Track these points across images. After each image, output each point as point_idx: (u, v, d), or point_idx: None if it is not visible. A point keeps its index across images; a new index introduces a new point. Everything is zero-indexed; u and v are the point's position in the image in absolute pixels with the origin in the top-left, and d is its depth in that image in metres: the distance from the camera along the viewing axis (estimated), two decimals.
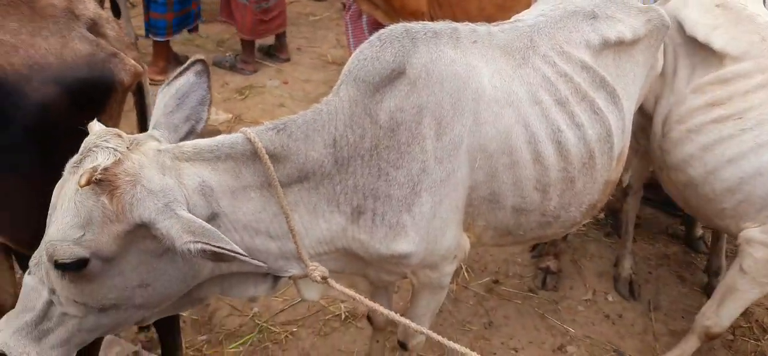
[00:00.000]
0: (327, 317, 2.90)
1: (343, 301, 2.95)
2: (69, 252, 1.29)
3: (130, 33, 5.36)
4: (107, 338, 2.49)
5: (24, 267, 1.54)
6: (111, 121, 1.88)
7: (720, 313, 2.39)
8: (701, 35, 2.40)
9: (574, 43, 1.99)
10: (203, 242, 1.26)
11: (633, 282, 3.15)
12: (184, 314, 2.84)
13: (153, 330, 2.65)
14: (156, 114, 1.54)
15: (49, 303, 1.41)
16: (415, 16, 3.92)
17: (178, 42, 5.50)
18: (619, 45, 2.07)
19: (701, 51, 2.42)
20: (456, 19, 3.79)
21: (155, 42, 4.90)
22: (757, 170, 2.16)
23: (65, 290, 1.37)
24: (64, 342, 1.44)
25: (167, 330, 2.37)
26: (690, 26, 2.45)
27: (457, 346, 1.41)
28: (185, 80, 1.58)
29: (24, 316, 1.42)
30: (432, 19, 3.95)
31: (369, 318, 2.43)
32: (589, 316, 3.02)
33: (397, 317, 1.51)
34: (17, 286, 2.35)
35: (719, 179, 2.24)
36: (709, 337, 2.46)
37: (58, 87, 1.67)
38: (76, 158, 1.36)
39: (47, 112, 1.67)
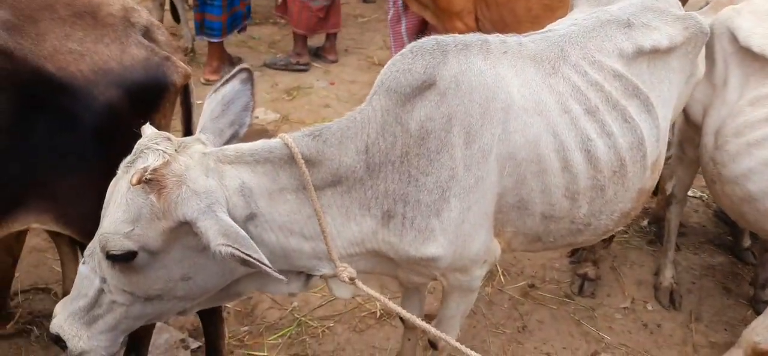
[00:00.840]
0: (363, 314, 2.98)
1: (378, 300, 3.02)
2: (120, 245, 1.41)
3: (188, 36, 5.59)
4: (157, 325, 2.65)
5: None
6: (164, 119, 2.00)
7: None
8: (757, 46, 2.33)
9: (607, 52, 2.00)
10: (234, 248, 1.35)
11: (674, 291, 3.10)
12: (228, 306, 2.98)
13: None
14: (203, 119, 1.66)
15: (100, 291, 1.53)
16: (460, 16, 3.94)
17: (232, 43, 5.69)
18: (654, 53, 2.07)
19: (756, 62, 2.35)
20: (504, 20, 3.82)
21: (210, 43, 5.07)
22: None
23: (115, 279, 1.50)
24: (112, 327, 1.57)
25: (210, 319, 2.49)
26: (744, 36, 2.37)
27: (472, 353, 1.46)
28: (231, 88, 1.70)
29: (77, 302, 1.56)
30: (478, 20, 3.97)
31: (401, 317, 2.49)
32: (627, 324, 2.99)
33: (420, 323, 1.57)
34: None
35: None
36: (756, 354, 2.36)
37: (120, 90, 1.82)
38: (129, 158, 1.48)
39: (112, 113, 1.81)
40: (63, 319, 1.55)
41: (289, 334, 2.86)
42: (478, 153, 1.73)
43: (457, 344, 1.53)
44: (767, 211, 2.25)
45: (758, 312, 2.92)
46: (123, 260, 1.43)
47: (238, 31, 5.41)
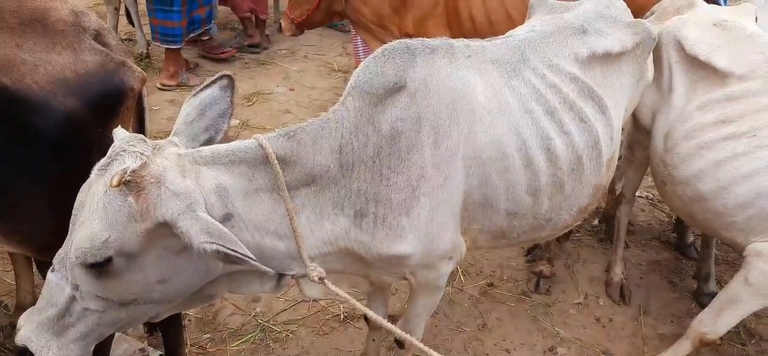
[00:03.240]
0: (327, 317, 2.99)
1: (342, 302, 3.03)
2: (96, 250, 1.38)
3: (142, 41, 5.48)
4: (116, 335, 2.58)
5: (43, 270, 1.60)
6: (124, 125, 1.96)
7: (717, 321, 2.42)
8: (702, 54, 2.45)
9: (563, 56, 2.10)
10: (218, 244, 1.36)
11: (624, 286, 3.23)
12: (189, 312, 2.93)
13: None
14: (178, 122, 1.65)
15: (72, 299, 1.49)
16: None
17: (188, 49, 5.59)
18: (607, 57, 2.18)
19: (701, 69, 2.47)
20: None
21: (167, 49, 4.98)
22: None
23: (89, 286, 1.46)
24: (84, 336, 1.53)
25: (169, 327, 2.43)
26: (690, 45, 2.50)
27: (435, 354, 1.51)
28: (210, 93, 1.70)
29: (46, 312, 1.50)
30: None
31: (366, 318, 2.52)
32: (580, 319, 3.11)
33: (386, 324, 1.61)
34: (36, 288, 2.42)
35: (732, 194, 2.27)
36: (702, 344, 2.49)
37: (77, 99, 1.75)
38: (103, 161, 1.45)
39: (70, 123, 1.74)
40: (30, 331, 1.49)
41: (252, 340, 2.84)
42: (447, 152, 1.79)
43: (422, 345, 1.57)
44: (717, 210, 2.36)
45: (702, 305, 3.07)
46: (99, 265, 1.40)
47: (199, 36, 5.33)
